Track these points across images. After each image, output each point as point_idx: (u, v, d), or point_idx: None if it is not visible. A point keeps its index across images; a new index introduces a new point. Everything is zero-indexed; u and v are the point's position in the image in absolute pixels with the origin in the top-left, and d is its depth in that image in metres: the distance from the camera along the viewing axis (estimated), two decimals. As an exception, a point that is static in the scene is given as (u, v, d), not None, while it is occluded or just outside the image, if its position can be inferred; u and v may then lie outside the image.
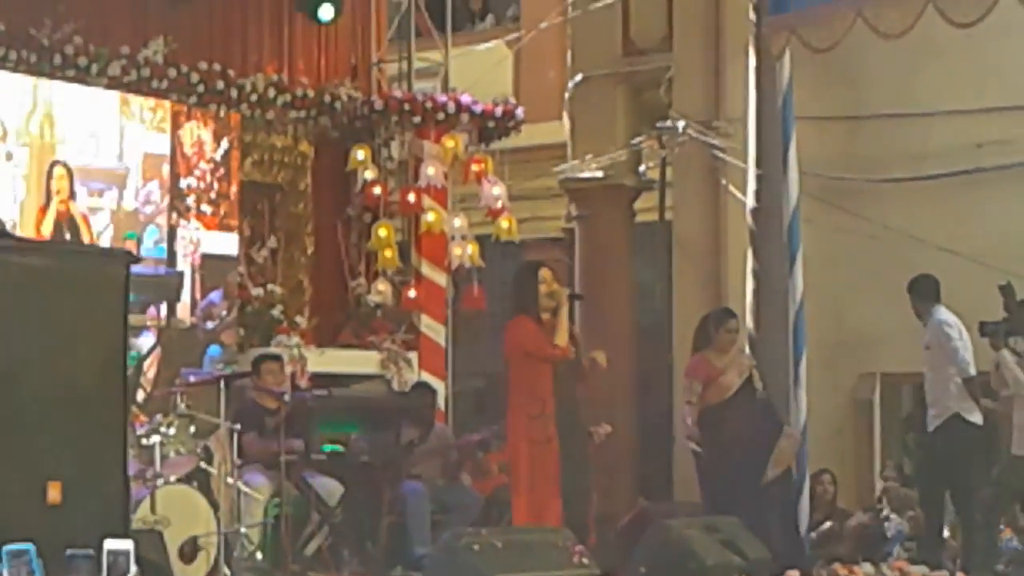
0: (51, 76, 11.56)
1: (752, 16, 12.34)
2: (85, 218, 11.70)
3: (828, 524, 11.60)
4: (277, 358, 10.86)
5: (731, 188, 13.50)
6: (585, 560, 8.35)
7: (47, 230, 11.39)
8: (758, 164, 12.61)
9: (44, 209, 11.51)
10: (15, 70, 11.35)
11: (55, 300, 6.98)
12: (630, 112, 15.45)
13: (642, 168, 15.54)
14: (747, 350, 11.30)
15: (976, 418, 10.29)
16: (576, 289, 14.34)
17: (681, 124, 14.11)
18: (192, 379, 10.62)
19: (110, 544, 5.92)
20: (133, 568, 5.94)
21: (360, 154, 13.16)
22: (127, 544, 5.91)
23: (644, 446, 14.81)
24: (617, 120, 15.41)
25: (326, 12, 13.19)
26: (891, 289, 11.78)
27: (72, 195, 11.60)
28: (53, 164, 11.59)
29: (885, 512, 11.91)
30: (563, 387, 9.22)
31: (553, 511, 9.00)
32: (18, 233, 10.33)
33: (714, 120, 14.02)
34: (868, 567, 9.59)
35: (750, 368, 10.74)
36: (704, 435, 10.47)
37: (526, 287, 9.27)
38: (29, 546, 5.64)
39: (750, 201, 12.71)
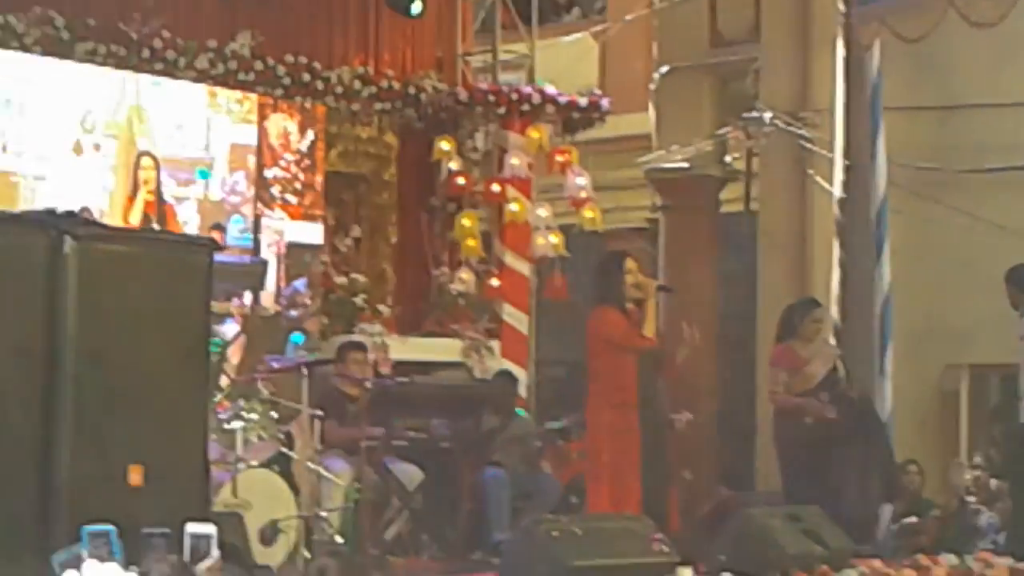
0: (139, 69, 11.69)
1: (841, 6, 12.29)
2: (171, 208, 11.83)
3: (913, 516, 11.48)
4: (362, 347, 10.91)
5: (817, 179, 13.42)
6: (665, 548, 8.30)
7: (135, 220, 11.53)
8: (846, 154, 12.56)
9: (132, 199, 11.66)
10: (104, 64, 11.49)
11: (140, 287, 7.08)
12: (716, 103, 15.40)
13: (728, 159, 15.48)
14: (832, 340, 11.23)
15: None
16: (661, 280, 14.32)
17: (768, 115, 14.04)
18: (275, 366, 10.71)
19: (192, 528, 5.96)
20: (215, 552, 6.00)
21: (444, 145, 13.21)
22: (209, 528, 5.96)
23: (727, 435, 14.75)
24: (703, 111, 15.37)
25: (416, 6, 13.22)
26: (980, 280, 11.67)
27: (159, 186, 11.73)
28: (141, 155, 11.75)
29: (973, 504, 11.78)
30: (645, 377, 9.18)
31: (633, 500, 8.99)
32: (105, 222, 10.47)
33: (801, 111, 13.95)
34: (952, 558, 9.46)
35: (835, 359, 10.65)
36: (786, 425, 10.40)
37: (611, 277, 9.21)
38: (110, 528, 5.71)
39: (837, 191, 12.67)
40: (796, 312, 10.80)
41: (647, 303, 8.95)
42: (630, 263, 9.14)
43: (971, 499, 11.77)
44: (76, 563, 5.52)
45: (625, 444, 8.98)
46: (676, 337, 10.08)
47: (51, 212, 7.10)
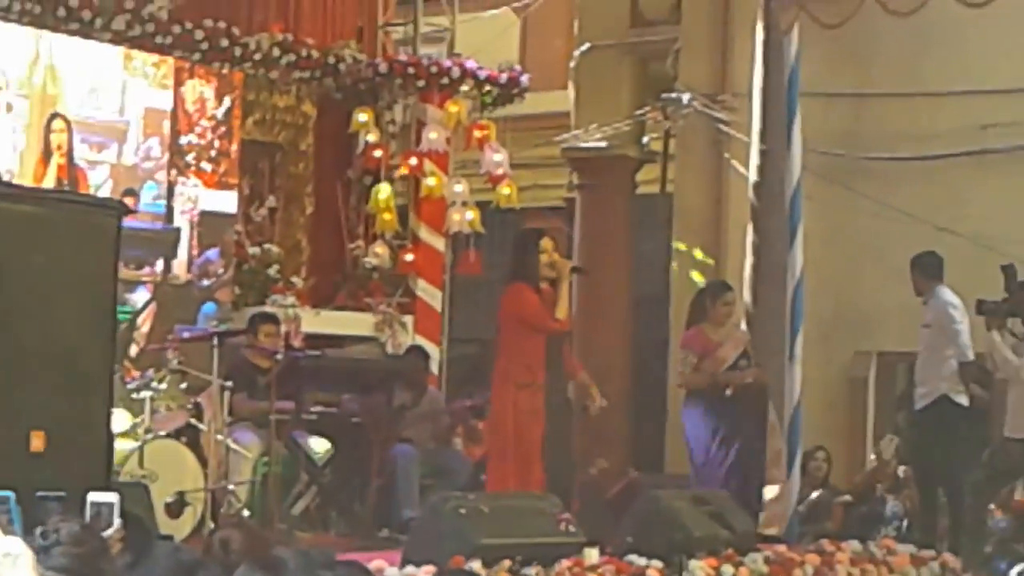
0: (54, 29, 11.50)
1: (762, -11, 12.26)
2: (83, 172, 11.66)
3: (817, 500, 11.57)
4: (274, 319, 10.82)
5: (734, 162, 13.45)
6: (571, 528, 8.32)
7: (48, 183, 11.35)
8: (762, 139, 12.52)
9: (45, 162, 11.47)
10: (19, 22, 11.29)
11: (46, 248, 6.97)
12: (635, 83, 15.40)
13: (645, 140, 15.48)
14: (743, 325, 11.25)
15: (963, 400, 10.29)
16: (575, 260, 14.30)
17: (686, 97, 14.06)
18: (186, 335, 10.61)
19: (94, 496, 5.85)
20: (116, 521, 5.90)
21: (363, 116, 13.13)
22: (112, 497, 5.85)
23: (638, 418, 14.79)
24: (622, 91, 15.36)
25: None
26: (891, 268, 11.74)
27: (71, 149, 11.55)
28: (52, 117, 11.55)
29: (879, 491, 11.89)
30: (553, 358, 9.13)
31: (535, 480, 8.96)
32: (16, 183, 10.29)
33: (719, 94, 13.97)
34: (856, 544, 9.56)
35: (746, 343, 10.68)
36: (695, 410, 10.42)
37: (526, 254, 9.17)
38: (9, 493, 5.61)
39: (752, 175, 12.64)
40: (707, 295, 10.83)
41: (561, 284, 8.91)
42: (546, 242, 9.10)
43: (877, 486, 11.89)
44: (-26, 529, 5.41)
45: (530, 424, 8.95)
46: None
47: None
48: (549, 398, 9.19)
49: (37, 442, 6.62)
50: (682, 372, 10.52)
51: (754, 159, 12.49)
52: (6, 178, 10.55)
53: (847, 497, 11.68)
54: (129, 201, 11.29)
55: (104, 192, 11.74)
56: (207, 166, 12.54)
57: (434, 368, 12.41)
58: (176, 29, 12.11)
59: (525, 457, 8.96)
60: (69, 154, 11.51)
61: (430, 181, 13.01)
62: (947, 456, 10.27)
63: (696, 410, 10.31)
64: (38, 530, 4.53)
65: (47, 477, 6.33)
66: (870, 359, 13.29)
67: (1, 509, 5.57)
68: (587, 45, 15.49)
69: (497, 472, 9.17)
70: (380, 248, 13.03)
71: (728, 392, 10.22)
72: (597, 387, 9.43)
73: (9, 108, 11.41)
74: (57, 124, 11.51)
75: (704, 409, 10.26)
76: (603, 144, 15.20)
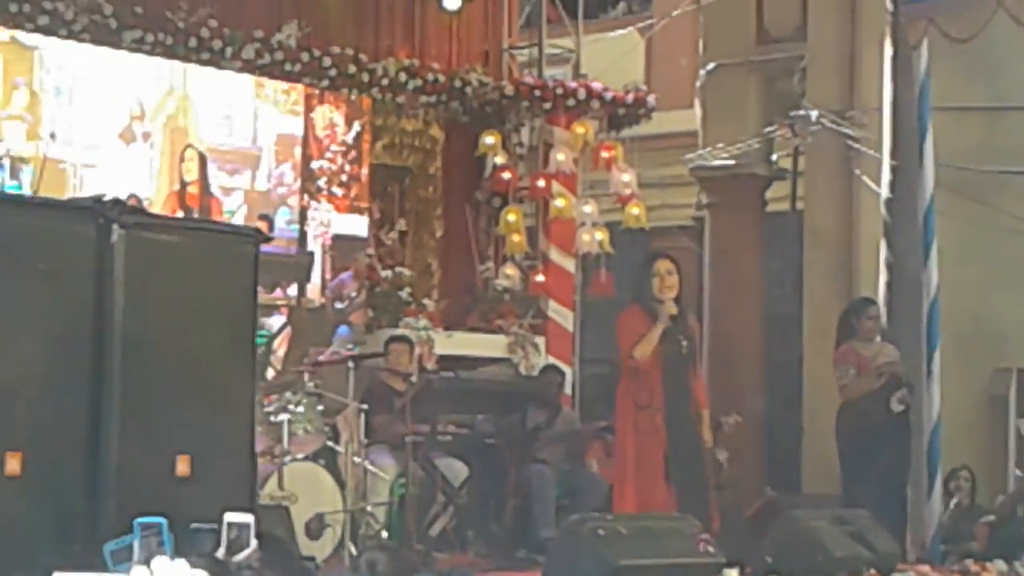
0: (186, 59, 11.68)
1: (889, 4, 12.13)
2: (217, 200, 11.82)
3: (961, 520, 11.38)
4: (407, 340, 10.89)
5: (864, 178, 13.32)
6: (710, 549, 8.24)
7: (181, 211, 11.52)
8: (893, 155, 12.41)
9: (179, 192, 11.66)
10: (151, 53, 11.48)
11: (186, 276, 7.03)
12: (762, 101, 15.30)
13: (774, 157, 15.39)
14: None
15: None
16: (706, 279, 14.29)
17: (814, 113, 13.95)
18: (321, 359, 10.69)
19: (231, 517, 5.88)
20: (253, 542, 5.94)
21: (490, 139, 13.17)
22: (247, 518, 5.88)
23: (773, 436, 14.67)
24: (749, 109, 15.27)
25: (452, 2, 13.17)
26: (1027, 282, 11.55)
27: (203, 178, 11.73)
28: (185, 148, 11.74)
29: (1021, 511, 11.68)
30: (675, 379, 9.07)
31: (659, 501, 8.89)
32: (152, 211, 10.45)
33: (848, 110, 13.85)
34: (1001, 564, 9.40)
35: (896, 359, 10.59)
36: (847, 426, 10.37)
37: (641, 278, 9.17)
38: (161, 520, 5.64)
39: (884, 192, 12.53)
40: (852, 312, 10.76)
41: (654, 329, 8.84)
42: (660, 264, 9.04)
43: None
44: (127, 555, 5.47)
45: (650, 445, 8.90)
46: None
47: (99, 200, 7.06)
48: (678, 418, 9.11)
49: (183, 466, 6.68)
50: (845, 384, 10.44)
51: (886, 175, 12.39)
52: (144, 205, 10.71)
53: (991, 517, 11.47)
54: (263, 226, 11.43)
55: (238, 218, 11.90)
56: (338, 190, 12.67)
57: (567, 388, 12.38)
58: (305, 57, 12.23)
59: (647, 478, 8.91)
60: (202, 183, 11.68)
61: (559, 202, 13.01)
62: None
63: (850, 424, 10.25)
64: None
65: (194, 501, 6.37)
66: (1010, 376, 13.07)
67: (152, 534, 5.59)
68: (713, 64, 15.43)
69: (619, 493, 9.13)
70: (510, 270, 13.06)
71: (897, 403, 10.14)
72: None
73: (146, 137, 11.61)
74: (189, 154, 11.71)
75: (860, 424, 10.17)
76: (731, 162, 15.12)
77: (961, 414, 12.20)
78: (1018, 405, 13.09)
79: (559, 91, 13.20)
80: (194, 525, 5.73)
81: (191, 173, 11.66)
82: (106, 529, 6.08)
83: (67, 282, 6.50)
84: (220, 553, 5.66)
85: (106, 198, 7.03)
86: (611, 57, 14.85)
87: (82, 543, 6.06)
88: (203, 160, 11.75)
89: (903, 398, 10.19)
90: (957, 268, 12.12)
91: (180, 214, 11.42)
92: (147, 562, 5.26)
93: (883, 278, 12.32)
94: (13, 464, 6.07)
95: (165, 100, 11.74)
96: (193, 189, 11.66)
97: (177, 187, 11.63)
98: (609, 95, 13.36)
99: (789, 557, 8.54)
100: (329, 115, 12.69)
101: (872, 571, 8.58)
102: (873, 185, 12.99)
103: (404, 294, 12.28)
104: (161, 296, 6.89)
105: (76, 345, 6.50)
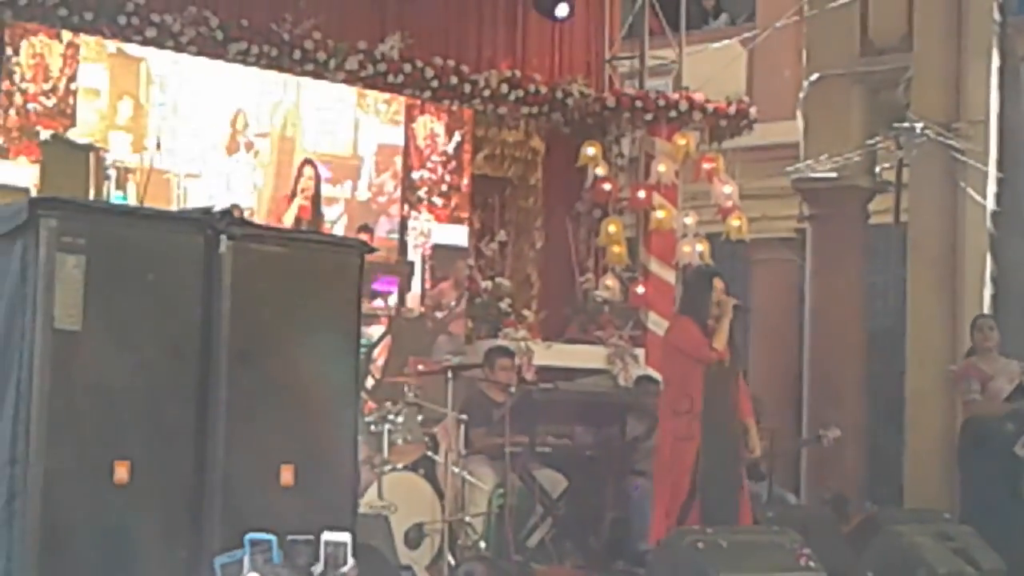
0: (290, 71, 11.80)
1: (996, 15, 12.04)
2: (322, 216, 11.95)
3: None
4: (510, 353, 10.91)
5: (970, 191, 13.16)
6: (812, 563, 8.20)
7: (288, 221, 11.65)
8: (999, 167, 12.31)
9: (288, 201, 11.78)
10: (256, 64, 11.62)
11: (292, 287, 7.09)
12: (866, 112, 15.16)
13: (877, 169, 15.25)
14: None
15: None
16: (808, 291, 14.18)
17: (919, 125, 13.79)
18: (421, 368, 10.73)
19: (328, 536, 5.84)
20: (350, 560, 5.93)
21: (591, 150, 13.18)
22: (344, 536, 5.82)
23: (874, 450, 14.54)
24: (852, 120, 15.14)
25: (562, 10, 13.22)
26: None
27: (317, 193, 11.86)
28: (305, 163, 11.89)
29: None
30: (717, 390, 9.06)
31: (678, 502, 8.86)
32: (256, 221, 10.56)
33: (954, 122, 13.67)
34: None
35: (1020, 376, 10.52)
36: (970, 445, 10.34)
37: (699, 292, 9.21)
38: (271, 537, 5.64)
39: (990, 204, 12.42)
40: (972, 327, 10.77)
41: (723, 319, 8.90)
42: (717, 281, 9.09)
43: None
44: (238, 569, 5.49)
45: (684, 450, 8.92)
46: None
47: (207, 211, 7.14)
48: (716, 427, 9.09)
49: (287, 476, 6.73)
50: (970, 401, 10.41)
51: (991, 187, 12.28)
52: (246, 215, 10.82)
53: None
54: (364, 236, 11.53)
55: (339, 228, 12.00)
56: (438, 200, 12.74)
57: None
58: (407, 68, 12.33)
59: (677, 480, 8.91)
60: (315, 198, 11.81)
61: (659, 214, 13.00)
62: None
63: (975, 442, 10.22)
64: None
65: (298, 511, 6.42)
66: None
67: (261, 550, 5.60)
68: (816, 75, 15.32)
69: (660, 494, 9.09)
70: (610, 281, 13.06)
71: (1021, 448, 10.12)
72: (759, 441, 9.30)
73: (249, 147, 11.74)
74: (307, 171, 11.89)
75: (987, 448, 10.14)
76: (834, 174, 15.00)
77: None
78: None
79: (660, 102, 13.20)
80: (290, 537, 5.72)
81: (308, 190, 11.80)
82: (211, 539, 6.15)
83: (175, 292, 6.56)
84: (318, 569, 5.66)
85: (215, 209, 7.13)
86: (713, 68, 14.79)
87: (188, 552, 6.12)
88: (318, 177, 11.89)
89: None
90: (1065, 281, 11.97)
91: (289, 223, 11.55)
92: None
93: (989, 292, 12.22)
94: (121, 472, 6.14)
95: (273, 111, 11.85)
96: (304, 202, 11.78)
97: (288, 197, 11.74)
98: (711, 107, 13.34)
99: (891, 572, 8.50)
100: (430, 125, 12.76)
101: (977, 588, 8.50)
102: (979, 198, 12.86)
103: (504, 305, 12.32)
104: (267, 306, 6.95)
105: (184, 355, 6.56)
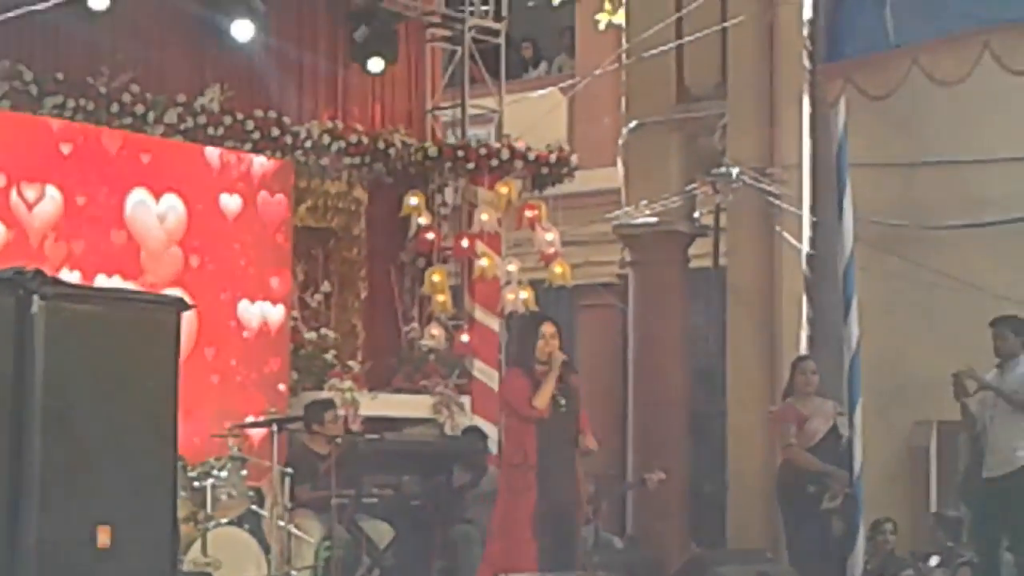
0: (108, 124, 11.66)
1: (806, 63, 12.32)
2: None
3: (884, 573, 11.49)
4: (334, 405, 10.89)
5: (785, 235, 13.45)
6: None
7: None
8: (813, 211, 12.59)
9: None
10: (73, 118, 11.46)
11: (107, 346, 7.02)
12: (684, 159, 15.43)
13: (696, 214, 15.50)
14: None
15: None
16: (631, 335, 14.36)
17: (735, 171, 14.08)
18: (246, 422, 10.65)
19: None
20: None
21: (414, 200, 13.23)
22: None
23: (697, 490, 14.75)
24: (671, 166, 15.40)
25: (375, 64, 13.26)
26: (948, 336, 11.71)
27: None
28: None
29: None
30: (553, 439, 9.11)
31: (527, 556, 8.91)
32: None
33: (768, 167, 13.98)
34: (923, 618, 9.50)
35: (835, 416, 10.76)
36: (786, 488, 10.56)
37: (524, 340, 9.24)
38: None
39: (805, 247, 12.70)
40: (793, 368, 10.99)
41: (549, 374, 8.92)
42: (546, 327, 9.11)
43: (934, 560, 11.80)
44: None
45: (519, 503, 8.94)
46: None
47: (19, 271, 7.04)
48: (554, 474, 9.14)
49: (104, 537, 6.64)
50: (788, 446, 10.64)
51: (806, 231, 12.57)
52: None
53: (909, 572, 11.59)
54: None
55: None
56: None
57: (493, 448, 12.40)
58: (227, 120, 12.26)
59: (513, 534, 8.94)
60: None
61: (483, 262, 13.09)
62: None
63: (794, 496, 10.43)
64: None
65: (116, 572, 6.34)
66: (930, 428, 13.19)
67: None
68: (635, 122, 15.57)
69: (490, 551, 9.12)
70: (435, 330, 13.11)
71: (828, 501, 10.38)
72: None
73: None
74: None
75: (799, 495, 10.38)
76: (654, 220, 15.23)
77: (883, 467, 12.32)
78: (938, 457, 13.23)
79: (482, 151, 13.30)
80: None
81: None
82: (25, 604, 6.05)
83: (-13, 354, 6.48)
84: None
85: (25, 270, 7.03)
86: (534, 117, 14.97)
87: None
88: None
89: (834, 496, 10.41)
90: (878, 322, 12.23)
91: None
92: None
93: (805, 333, 12.48)
94: (-69, 539, 6.02)
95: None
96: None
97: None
98: (532, 154, 13.47)
99: (714, 613, 8.62)
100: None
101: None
102: (794, 241, 13.14)
103: (329, 356, 12.29)
104: (82, 366, 6.87)
105: (-5, 416, 6.47)
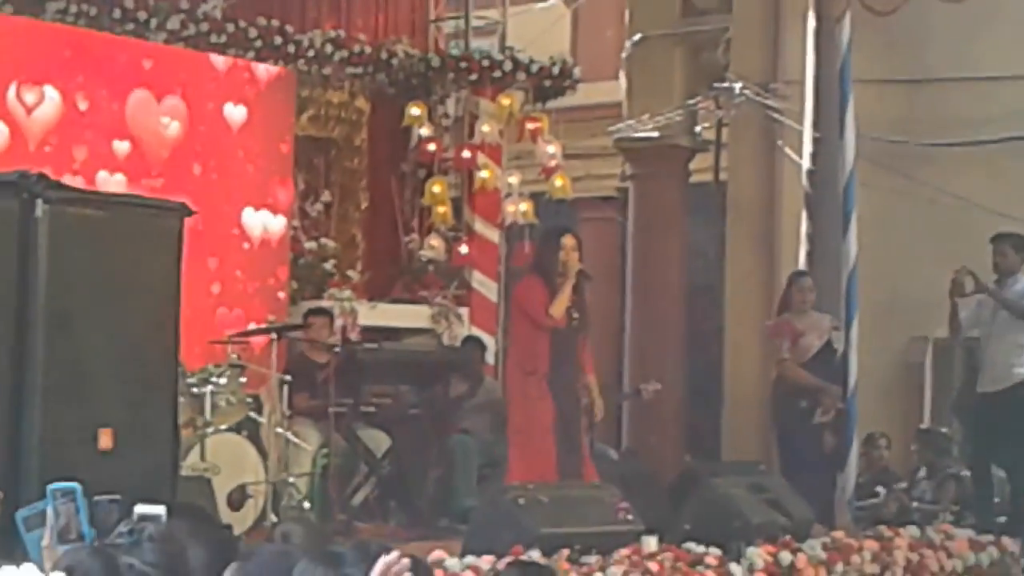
0: (111, 30, 11.61)
1: (813, -23, 12.28)
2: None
3: (877, 486, 11.60)
4: (326, 312, 10.92)
5: (787, 150, 13.46)
6: (629, 517, 8.39)
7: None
8: (815, 127, 12.59)
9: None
10: (75, 23, 11.41)
11: (110, 251, 7.08)
12: (687, 73, 15.41)
13: (698, 129, 15.51)
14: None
15: None
16: (630, 248, 14.38)
17: (738, 86, 14.07)
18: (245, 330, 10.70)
19: (141, 509, 5.61)
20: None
21: (415, 110, 13.20)
22: (159, 509, 5.59)
23: (693, 405, 14.85)
24: (674, 80, 15.38)
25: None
26: (946, 253, 11.72)
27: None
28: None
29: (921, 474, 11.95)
30: (563, 351, 9.19)
31: (548, 464, 9.00)
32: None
33: (771, 82, 13.97)
34: (914, 530, 9.59)
35: (830, 331, 10.83)
36: (779, 402, 10.65)
37: (546, 250, 9.28)
38: (75, 485, 5.58)
39: (806, 163, 12.71)
40: (789, 283, 11.05)
41: (565, 284, 8.97)
42: (567, 239, 9.14)
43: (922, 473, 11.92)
44: (40, 520, 5.43)
45: (536, 411, 9.02)
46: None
47: (23, 175, 7.07)
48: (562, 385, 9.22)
49: (105, 439, 6.73)
50: (781, 361, 10.73)
51: (807, 147, 12.57)
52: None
53: (903, 484, 11.71)
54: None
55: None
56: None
57: (491, 359, 12.48)
58: (230, 28, 12.20)
59: (534, 442, 9.03)
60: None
61: (483, 174, 13.09)
62: (1018, 441, 10.17)
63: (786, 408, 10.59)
64: (124, 527, 4.63)
65: (117, 474, 6.42)
66: (926, 344, 13.27)
67: (68, 500, 5.55)
68: (639, 35, 15.51)
69: (512, 459, 9.20)
70: (435, 241, 13.12)
71: (820, 415, 10.45)
72: (600, 398, 9.45)
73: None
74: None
75: (792, 408, 10.53)
76: (655, 134, 15.22)
77: (878, 382, 12.40)
78: (933, 373, 13.32)
79: (485, 63, 13.24)
80: (96, 498, 5.63)
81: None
82: (28, 502, 6.12)
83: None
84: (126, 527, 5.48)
85: (29, 173, 7.06)
86: (537, 29, 14.92)
87: (2, 516, 6.09)
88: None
89: (825, 411, 10.51)
90: (877, 239, 12.28)
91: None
92: (62, 528, 5.26)
93: (804, 249, 12.52)
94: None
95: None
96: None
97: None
98: (535, 67, 13.41)
99: (707, 524, 8.70)
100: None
101: (788, 537, 8.74)
102: (795, 157, 13.15)
103: (328, 265, 12.33)
104: (85, 270, 6.94)
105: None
